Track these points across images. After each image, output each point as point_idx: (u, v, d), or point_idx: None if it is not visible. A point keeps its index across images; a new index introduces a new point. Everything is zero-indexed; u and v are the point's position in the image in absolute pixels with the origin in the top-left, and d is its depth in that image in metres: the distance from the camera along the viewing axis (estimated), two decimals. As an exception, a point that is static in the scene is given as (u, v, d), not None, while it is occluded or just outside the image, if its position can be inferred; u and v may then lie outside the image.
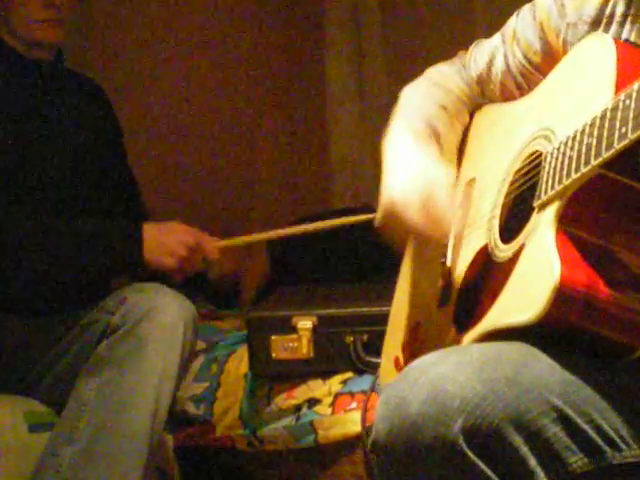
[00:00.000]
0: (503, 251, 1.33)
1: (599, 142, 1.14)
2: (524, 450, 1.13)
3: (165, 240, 2.21)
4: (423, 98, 1.60)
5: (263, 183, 3.45)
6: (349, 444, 2.20)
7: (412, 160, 1.47)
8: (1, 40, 2.28)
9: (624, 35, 1.34)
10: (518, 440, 1.13)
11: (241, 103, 3.45)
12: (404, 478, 1.16)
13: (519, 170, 1.37)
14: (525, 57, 1.52)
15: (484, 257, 1.38)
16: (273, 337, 2.28)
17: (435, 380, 1.15)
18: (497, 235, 1.37)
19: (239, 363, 2.40)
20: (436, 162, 1.48)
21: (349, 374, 2.26)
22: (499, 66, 1.57)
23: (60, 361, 2.15)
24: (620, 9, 1.36)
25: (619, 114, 1.12)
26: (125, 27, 3.31)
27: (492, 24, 2.96)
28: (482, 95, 1.62)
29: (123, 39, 3.31)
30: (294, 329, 2.28)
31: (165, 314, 2.05)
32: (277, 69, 3.51)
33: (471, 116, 1.64)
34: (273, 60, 3.50)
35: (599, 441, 1.16)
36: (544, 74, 1.45)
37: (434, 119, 1.56)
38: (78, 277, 2.19)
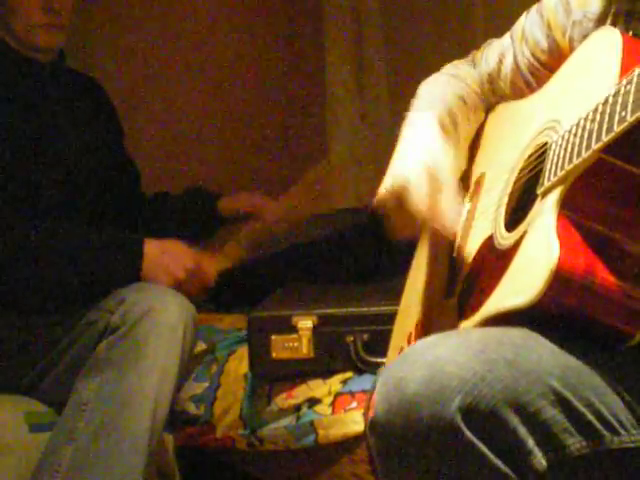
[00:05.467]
0: (507, 239, 1.34)
1: (600, 127, 1.15)
2: (522, 431, 1.14)
3: (165, 260, 2.21)
4: (444, 88, 1.61)
5: (263, 183, 3.45)
6: (349, 444, 2.20)
7: (431, 143, 1.48)
8: (3, 41, 2.29)
9: (630, 33, 1.34)
10: (516, 421, 1.14)
11: (241, 103, 3.45)
12: (402, 457, 1.16)
13: (526, 161, 1.38)
14: (533, 55, 1.54)
15: (489, 246, 1.39)
16: (273, 337, 2.28)
17: (434, 360, 1.15)
18: (502, 224, 1.38)
19: (239, 363, 2.40)
20: (452, 153, 1.49)
21: (349, 374, 2.26)
22: (509, 65, 1.59)
23: (60, 361, 2.15)
24: (626, 6, 1.37)
25: (620, 99, 1.13)
26: (127, 26, 3.32)
27: (491, 18, 2.98)
28: (493, 93, 1.64)
29: (125, 38, 3.31)
30: (294, 329, 2.28)
31: (165, 314, 2.06)
32: (277, 69, 3.51)
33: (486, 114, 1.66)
34: (273, 60, 3.50)
35: (597, 425, 1.16)
36: (552, 71, 1.47)
37: (455, 109, 1.57)
38: (72, 286, 2.18)
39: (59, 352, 2.15)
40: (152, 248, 2.20)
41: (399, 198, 1.42)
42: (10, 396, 2.16)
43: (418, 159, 1.44)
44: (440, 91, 1.60)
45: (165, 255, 2.21)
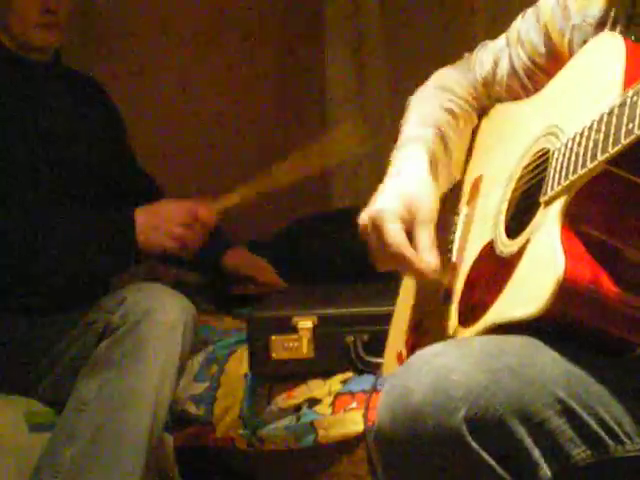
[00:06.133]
0: (508, 246, 1.33)
1: (606, 138, 1.14)
2: (527, 441, 1.14)
3: (158, 223, 2.21)
4: (431, 103, 1.59)
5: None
6: (349, 444, 2.20)
7: (415, 178, 1.45)
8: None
9: (632, 37, 1.33)
10: (522, 431, 1.14)
11: (241, 103, 3.45)
12: (407, 467, 1.17)
13: (526, 167, 1.37)
14: (530, 59, 1.52)
15: (489, 253, 1.38)
16: (273, 337, 2.28)
17: (439, 369, 1.15)
18: (503, 230, 1.37)
19: (239, 363, 2.41)
20: (436, 191, 1.46)
21: (349, 374, 2.27)
22: (504, 68, 1.56)
23: (60, 361, 2.15)
24: (625, 11, 1.36)
25: (627, 110, 1.12)
26: (125, 24, 3.32)
27: (492, 18, 2.97)
28: (488, 97, 1.61)
29: (123, 36, 3.32)
30: (294, 329, 2.28)
31: (165, 314, 2.06)
32: (277, 69, 3.51)
33: (479, 117, 1.64)
34: (273, 60, 3.50)
35: (602, 434, 1.16)
36: (549, 75, 1.46)
37: (442, 124, 1.55)
38: (76, 272, 2.19)
39: (59, 352, 2.15)
40: (142, 215, 2.21)
41: (374, 229, 1.39)
42: (10, 396, 2.16)
43: (397, 192, 1.42)
44: (429, 108, 1.58)
45: (157, 217, 2.21)
